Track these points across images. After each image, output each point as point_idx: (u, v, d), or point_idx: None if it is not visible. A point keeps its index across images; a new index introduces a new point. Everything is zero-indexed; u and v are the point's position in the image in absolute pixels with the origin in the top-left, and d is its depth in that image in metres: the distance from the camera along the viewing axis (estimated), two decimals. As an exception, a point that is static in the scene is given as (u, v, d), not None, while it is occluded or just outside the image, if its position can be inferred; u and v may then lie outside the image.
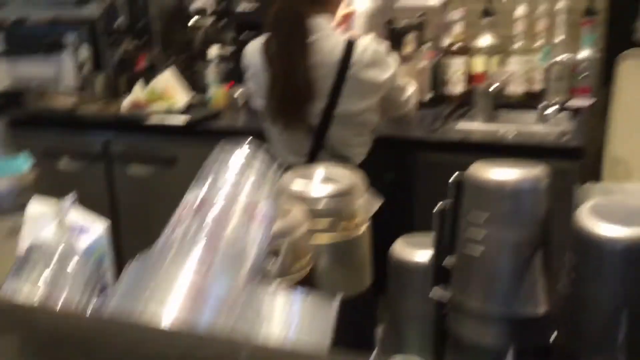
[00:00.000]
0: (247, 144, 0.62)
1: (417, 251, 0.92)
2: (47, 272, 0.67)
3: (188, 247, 0.56)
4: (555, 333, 0.78)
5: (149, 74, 2.71)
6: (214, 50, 2.70)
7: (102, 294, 0.77)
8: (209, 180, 0.59)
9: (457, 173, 0.82)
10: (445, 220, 0.84)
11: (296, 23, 1.73)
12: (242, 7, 2.69)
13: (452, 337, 0.84)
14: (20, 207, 0.95)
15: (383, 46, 1.82)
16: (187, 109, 2.59)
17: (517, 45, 2.50)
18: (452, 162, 2.12)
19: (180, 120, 2.51)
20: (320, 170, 1.02)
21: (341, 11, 1.89)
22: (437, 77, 2.55)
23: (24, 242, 0.86)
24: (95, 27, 2.88)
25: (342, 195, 0.95)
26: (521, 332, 0.78)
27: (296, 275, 0.85)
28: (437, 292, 0.85)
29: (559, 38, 2.47)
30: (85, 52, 2.90)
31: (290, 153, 1.87)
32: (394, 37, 2.40)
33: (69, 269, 0.66)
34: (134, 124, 2.57)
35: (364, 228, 0.99)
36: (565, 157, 2.04)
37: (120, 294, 0.57)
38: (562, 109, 2.35)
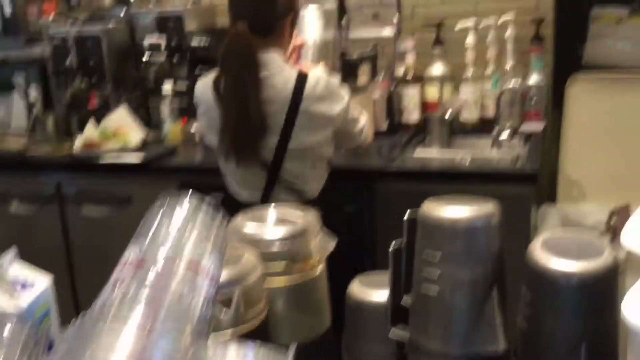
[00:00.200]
0: (189, 197, 0.60)
1: (374, 291, 0.91)
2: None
3: (128, 307, 0.53)
4: (515, 370, 0.77)
5: (102, 113, 2.66)
6: (168, 86, 2.67)
7: (48, 352, 0.73)
8: (149, 236, 0.56)
9: (409, 211, 0.81)
10: (400, 259, 0.83)
11: (247, 58, 1.71)
12: (196, 41, 2.68)
13: (414, 379, 0.82)
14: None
15: (335, 78, 1.82)
16: (142, 147, 2.55)
17: (468, 73, 2.54)
18: (411, 190, 2.15)
19: (134, 158, 2.46)
20: (273, 211, 1.00)
21: (291, 43, 1.89)
22: (392, 106, 2.57)
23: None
24: (45, 66, 2.83)
25: (296, 237, 0.93)
26: (482, 371, 0.77)
27: (251, 323, 0.82)
28: (396, 333, 0.84)
29: (509, 65, 2.52)
30: (34, 92, 2.85)
31: (245, 188, 1.85)
32: (348, 68, 2.41)
33: (5, 332, 0.62)
34: (87, 164, 2.52)
35: (320, 268, 0.97)
36: (520, 181, 2.07)
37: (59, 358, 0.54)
38: (515, 133, 2.39)
